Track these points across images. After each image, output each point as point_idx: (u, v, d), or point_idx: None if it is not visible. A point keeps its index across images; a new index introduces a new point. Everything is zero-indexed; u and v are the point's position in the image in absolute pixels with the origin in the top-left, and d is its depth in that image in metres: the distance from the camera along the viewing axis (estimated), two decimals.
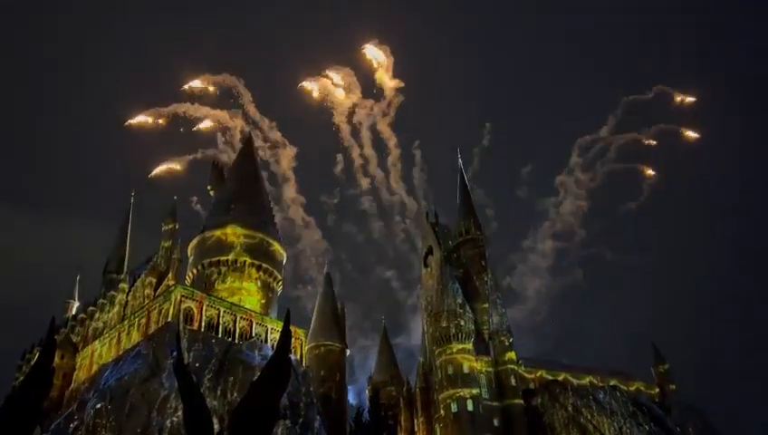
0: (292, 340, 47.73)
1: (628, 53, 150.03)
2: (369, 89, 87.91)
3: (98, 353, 45.08)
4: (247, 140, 63.77)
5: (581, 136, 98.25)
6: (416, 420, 52.32)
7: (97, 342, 46.31)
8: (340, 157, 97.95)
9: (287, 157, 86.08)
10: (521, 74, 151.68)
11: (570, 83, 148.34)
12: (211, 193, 58.84)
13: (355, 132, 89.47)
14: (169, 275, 46.80)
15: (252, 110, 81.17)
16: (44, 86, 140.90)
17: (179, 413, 30.93)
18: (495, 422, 48.85)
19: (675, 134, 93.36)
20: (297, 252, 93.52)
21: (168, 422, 31.27)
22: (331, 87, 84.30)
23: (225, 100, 79.45)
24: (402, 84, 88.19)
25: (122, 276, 50.54)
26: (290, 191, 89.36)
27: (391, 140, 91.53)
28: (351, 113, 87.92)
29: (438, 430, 49.08)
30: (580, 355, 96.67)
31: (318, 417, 41.30)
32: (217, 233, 51.75)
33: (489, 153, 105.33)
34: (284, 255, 54.89)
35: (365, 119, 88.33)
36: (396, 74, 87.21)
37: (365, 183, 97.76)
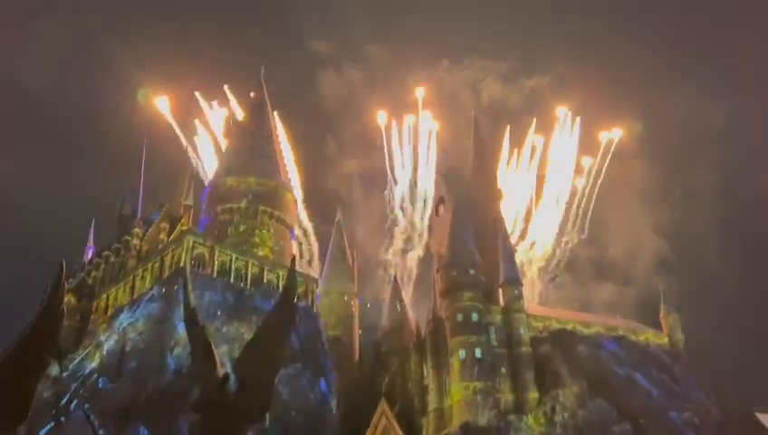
0: (304, 286, 48.47)
1: None
2: None
3: (113, 297, 46.04)
4: (260, 91, 63.14)
5: None
6: (425, 366, 53.20)
7: (112, 285, 47.25)
8: None
9: None
10: None
11: None
12: (225, 141, 58.89)
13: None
14: (182, 220, 47.29)
15: None
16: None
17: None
18: (503, 369, 49.53)
19: None
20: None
21: (180, 364, 32.13)
22: None
23: None
24: None
25: (136, 222, 51.10)
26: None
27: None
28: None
29: (446, 375, 49.96)
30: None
31: (328, 360, 42.31)
32: (230, 180, 51.97)
33: None
34: (296, 203, 55.17)
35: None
36: None
37: None
